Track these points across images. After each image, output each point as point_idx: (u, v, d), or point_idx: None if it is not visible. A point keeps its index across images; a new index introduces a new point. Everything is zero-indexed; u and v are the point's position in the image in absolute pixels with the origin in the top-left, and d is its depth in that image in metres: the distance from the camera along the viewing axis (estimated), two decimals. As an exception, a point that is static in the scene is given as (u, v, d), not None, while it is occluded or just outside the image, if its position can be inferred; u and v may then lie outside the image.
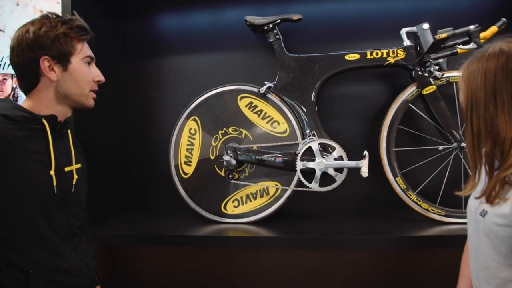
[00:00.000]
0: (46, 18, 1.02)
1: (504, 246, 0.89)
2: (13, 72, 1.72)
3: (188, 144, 1.74)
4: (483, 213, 0.93)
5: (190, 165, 1.74)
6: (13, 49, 1.02)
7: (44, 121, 1.00)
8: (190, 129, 1.75)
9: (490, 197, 0.90)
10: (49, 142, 1.00)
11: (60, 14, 1.06)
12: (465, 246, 1.20)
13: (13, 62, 1.03)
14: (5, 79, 1.74)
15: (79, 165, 1.11)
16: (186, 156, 1.74)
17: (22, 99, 1.72)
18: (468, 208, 1.06)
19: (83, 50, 1.05)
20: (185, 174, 1.74)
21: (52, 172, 0.99)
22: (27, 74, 1.02)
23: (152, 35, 1.99)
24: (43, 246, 0.97)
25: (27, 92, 1.04)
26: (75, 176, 1.07)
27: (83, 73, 1.05)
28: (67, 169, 1.05)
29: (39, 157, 0.98)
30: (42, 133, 1.00)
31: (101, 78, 1.10)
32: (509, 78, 0.90)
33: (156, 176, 1.96)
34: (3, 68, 1.74)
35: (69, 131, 1.11)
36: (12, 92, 1.74)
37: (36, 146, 0.98)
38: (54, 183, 0.98)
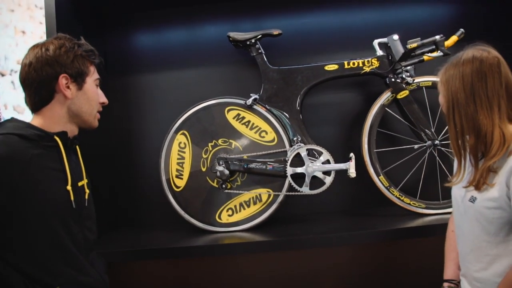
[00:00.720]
0: (63, 39, 1.06)
1: (493, 226, 1.02)
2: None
3: (178, 158, 1.78)
4: (473, 199, 1.05)
5: (181, 178, 1.77)
6: (30, 65, 1.02)
7: (56, 138, 1.01)
8: (180, 143, 1.78)
9: (479, 184, 1.03)
10: (63, 158, 1.01)
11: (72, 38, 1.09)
12: (447, 234, 1.31)
13: (28, 78, 1.02)
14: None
15: (87, 180, 1.13)
16: (177, 170, 1.77)
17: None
18: (453, 198, 1.18)
19: (95, 72, 1.12)
20: (177, 187, 1.77)
21: (69, 187, 1.00)
22: (43, 90, 1.03)
23: (132, 53, 2.02)
24: (67, 261, 0.98)
25: (38, 108, 1.04)
26: (87, 191, 1.09)
27: (95, 94, 1.10)
28: (80, 183, 1.06)
29: (56, 174, 0.99)
30: (55, 150, 1.01)
31: (106, 100, 1.16)
32: (484, 80, 1.04)
33: (145, 193, 1.97)
34: (-18, 90, 1.69)
35: (77, 146, 1.12)
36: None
37: (52, 162, 0.99)
38: (72, 198, 1.00)
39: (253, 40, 1.78)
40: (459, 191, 1.14)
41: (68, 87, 1.04)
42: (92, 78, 1.10)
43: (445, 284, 1.21)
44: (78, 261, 1.00)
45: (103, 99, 1.15)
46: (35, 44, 1.05)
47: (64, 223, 0.98)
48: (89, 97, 1.08)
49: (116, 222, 1.96)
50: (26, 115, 1.71)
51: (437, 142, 1.69)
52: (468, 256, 1.10)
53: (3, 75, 1.69)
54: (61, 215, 0.98)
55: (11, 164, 0.91)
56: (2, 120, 1.68)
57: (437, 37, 1.61)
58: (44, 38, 1.63)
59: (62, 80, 1.02)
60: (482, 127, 1.03)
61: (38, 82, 1.02)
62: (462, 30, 1.68)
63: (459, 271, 1.19)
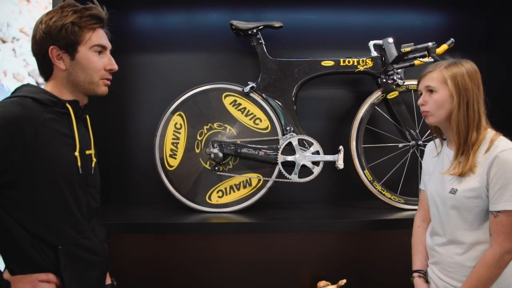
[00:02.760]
0: (60, 8, 1.05)
1: (471, 215, 1.13)
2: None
3: (173, 138, 1.83)
4: (453, 191, 1.15)
5: (175, 158, 1.82)
6: (32, 38, 1.05)
7: (68, 105, 1.05)
8: (176, 123, 1.83)
9: (465, 172, 1.13)
10: (73, 125, 1.05)
11: (76, 3, 1.07)
12: (414, 229, 1.41)
13: (32, 50, 1.06)
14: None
15: (95, 151, 1.17)
16: (172, 150, 1.82)
17: (4, 88, 1.70)
18: (429, 194, 1.28)
19: (91, 39, 1.05)
20: (170, 166, 1.82)
21: (76, 154, 1.04)
22: (42, 62, 1.05)
23: (131, 32, 2.04)
24: (71, 224, 1.02)
25: (46, 78, 1.08)
26: (93, 160, 1.13)
27: (91, 61, 1.06)
28: (87, 152, 1.10)
29: (65, 139, 1.03)
30: (66, 117, 1.04)
31: (113, 66, 1.11)
32: (480, 82, 1.18)
33: (138, 170, 2.01)
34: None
35: (87, 116, 1.16)
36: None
37: (62, 128, 1.03)
38: (79, 164, 1.04)
39: (254, 30, 1.83)
40: (435, 186, 1.24)
41: (60, 58, 1.04)
42: (87, 45, 1.05)
43: (415, 274, 1.32)
44: (80, 225, 1.05)
45: (110, 66, 1.10)
46: (40, 17, 1.06)
47: (70, 186, 1.02)
48: (83, 66, 1.05)
49: (109, 197, 2.00)
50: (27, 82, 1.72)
51: (420, 142, 1.80)
52: (446, 244, 1.20)
53: (4, 41, 1.69)
54: (67, 178, 1.01)
55: (25, 124, 0.94)
56: (1, 87, 1.69)
57: (430, 44, 1.71)
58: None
59: (53, 52, 1.03)
60: (481, 121, 1.15)
61: (37, 54, 1.05)
62: (452, 39, 1.78)
63: (426, 262, 1.30)
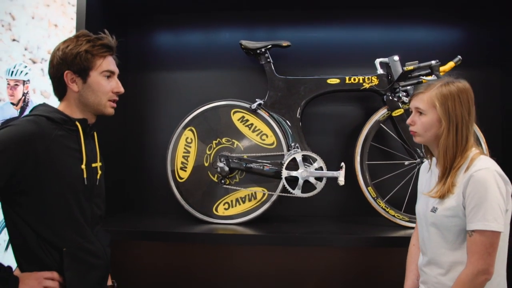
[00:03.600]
0: (76, 37, 1.19)
1: (451, 234, 1.13)
2: (24, 79, 1.88)
3: (184, 152, 1.93)
4: (434, 210, 1.17)
5: (185, 171, 1.92)
6: (50, 62, 1.20)
7: (77, 123, 1.17)
8: (187, 138, 1.93)
9: (445, 193, 1.14)
10: (81, 141, 1.17)
11: (90, 33, 1.22)
12: (409, 248, 1.42)
13: (49, 73, 1.20)
14: (16, 84, 1.88)
15: (101, 163, 1.28)
16: (182, 162, 1.92)
17: (32, 104, 1.87)
18: (417, 212, 1.30)
19: (102, 65, 1.19)
20: (181, 178, 1.92)
21: (83, 166, 1.16)
22: (58, 84, 1.19)
23: (151, 51, 2.19)
24: (75, 229, 1.13)
25: (60, 98, 1.21)
26: (99, 172, 1.25)
27: (100, 85, 1.19)
28: (93, 165, 1.22)
29: (74, 153, 1.15)
30: (75, 133, 1.17)
31: (120, 89, 1.24)
32: (472, 104, 1.18)
33: (151, 181, 2.13)
34: (15, 74, 1.88)
35: (95, 133, 1.28)
36: (23, 97, 1.88)
37: (71, 143, 1.15)
38: (85, 176, 1.16)
39: (263, 49, 1.91)
40: (421, 205, 1.26)
41: (74, 81, 1.17)
42: (98, 70, 1.17)
43: None
44: (84, 230, 1.16)
45: (117, 88, 1.22)
46: (58, 44, 1.20)
47: (75, 196, 1.14)
48: (94, 89, 1.18)
49: (123, 206, 2.13)
50: (52, 100, 1.89)
51: (425, 160, 1.79)
52: (430, 264, 1.21)
53: (34, 62, 1.87)
54: (74, 189, 1.13)
55: (38, 140, 1.06)
56: (30, 103, 1.87)
57: (433, 62, 1.72)
58: (74, 32, 1.81)
59: (68, 76, 1.16)
60: (469, 146, 1.15)
61: (54, 77, 1.18)
62: (459, 57, 1.78)
63: (417, 282, 1.31)
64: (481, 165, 1.10)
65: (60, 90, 1.20)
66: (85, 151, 1.17)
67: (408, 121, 1.27)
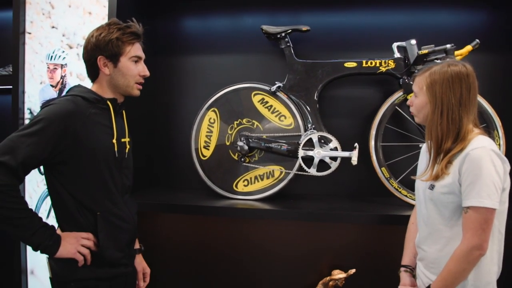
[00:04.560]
0: (107, 25, 1.33)
1: (447, 210, 1.20)
2: (62, 63, 2.04)
3: (207, 131, 2.05)
4: (431, 187, 1.24)
5: (208, 149, 2.05)
6: (84, 48, 1.34)
7: (109, 102, 1.31)
8: (210, 118, 2.06)
9: (439, 175, 1.20)
10: (112, 118, 1.32)
11: (120, 22, 1.35)
12: (408, 226, 1.48)
13: (83, 58, 1.35)
14: (55, 68, 2.05)
15: (129, 139, 1.42)
16: (205, 141, 2.05)
17: (69, 86, 2.04)
18: (416, 189, 1.36)
19: (130, 51, 1.33)
20: (204, 156, 2.05)
21: (114, 141, 1.30)
22: (91, 67, 1.34)
23: (179, 36, 2.30)
24: (107, 196, 1.29)
25: (93, 80, 1.36)
26: (128, 146, 1.39)
27: (129, 69, 1.33)
28: (123, 140, 1.37)
29: (106, 129, 1.30)
30: (107, 111, 1.31)
31: (146, 73, 1.38)
32: (467, 88, 1.20)
33: (177, 158, 2.28)
34: (54, 59, 2.05)
35: (124, 111, 1.42)
36: (61, 79, 2.05)
37: (104, 120, 1.30)
38: (116, 149, 1.30)
39: (283, 34, 1.99)
40: (420, 183, 1.32)
41: (106, 66, 1.31)
42: (127, 56, 1.31)
43: (402, 269, 1.41)
44: (115, 198, 1.31)
45: (143, 72, 1.36)
46: (91, 31, 1.33)
47: (108, 167, 1.29)
48: (123, 72, 1.32)
49: (149, 181, 2.29)
50: (86, 82, 2.05)
51: (438, 142, 1.83)
52: (427, 240, 1.28)
53: (71, 47, 2.03)
54: (106, 161, 1.28)
55: (76, 117, 1.22)
56: (67, 85, 2.04)
57: (448, 46, 1.75)
58: (106, 19, 1.95)
59: (100, 61, 1.30)
60: (462, 130, 1.19)
61: (87, 61, 1.33)
62: (477, 40, 1.80)
63: (414, 259, 1.38)
64: (477, 144, 1.15)
65: (93, 73, 1.34)
66: (116, 127, 1.31)
67: (408, 102, 1.33)
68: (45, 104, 1.24)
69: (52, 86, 2.07)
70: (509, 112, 1.95)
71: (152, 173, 2.30)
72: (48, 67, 2.06)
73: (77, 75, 2.03)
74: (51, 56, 2.05)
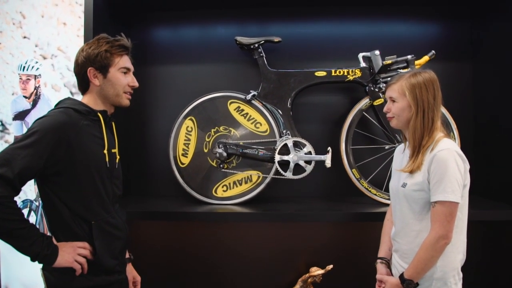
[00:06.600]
0: (97, 40, 1.37)
1: (418, 206, 1.34)
2: (36, 74, 2.02)
3: (185, 139, 2.11)
4: (404, 185, 1.38)
5: (186, 157, 2.10)
6: (74, 63, 1.38)
7: (99, 114, 1.35)
8: (187, 126, 2.11)
9: (414, 169, 1.34)
10: (103, 129, 1.35)
11: (108, 36, 1.39)
12: (384, 222, 1.63)
13: (74, 71, 1.38)
14: (28, 79, 2.02)
15: (118, 150, 1.46)
16: (183, 149, 2.10)
17: (44, 97, 2.02)
18: (390, 188, 1.51)
19: (119, 62, 1.37)
20: (182, 164, 2.10)
21: (105, 151, 1.34)
22: (81, 80, 1.37)
23: (152, 46, 2.34)
24: (101, 205, 1.32)
25: (83, 93, 1.39)
26: (118, 157, 1.42)
27: (118, 79, 1.37)
28: (113, 150, 1.40)
29: (97, 140, 1.33)
30: (97, 123, 1.34)
31: (135, 83, 1.42)
32: (438, 91, 1.36)
33: (155, 167, 2.30)
34: (27, 69, 2.02)
35: (113, 122, 1.45)
36: (35, 90, 2.02)
37: (95, 131, 1.33)
38: (107, 159, 1.33)
39: (256, 45, 2.09)
40: (394, 182, 1.47)
41: (96, 77, 1.35)
42: (116, 67, 1.35)
43: (378, 260, 1.54)
44: (108, 206, 1.34)
45: (132, 83, 1.40)
46: (81, 46, 1.37)
47: (100, 176, 1.32)
48: (113, 82, 1.35)
49: (130, 189, 2.30)
50: (62, 93, 2.04)
51: (403, 144, 2.00)
52: (400, 233, 1.42)
53: (45, 58, 2.01)
54: (98, 171, 1.31)
55: (69, 128, 1.24)
56: (42, 96, 2.02)
57: (409, 56, 1.92)
58: (82, 30, 1.96)
59: (90, 72, 1.34)
60: (435, 128, 1.35)
61: (78, 74, 1.37)
62: (433, 51, 1.99)
63: (390, 252, 1.52)
64: (443, 146, 1.31)
65: (83, 85, 1.37)
66: (106, 138, 1.35)
67: (385, 109, 1.47)
68: (38, 117, 1.26)
69: (25, 97, 2.04)
70: (463, 116, 2.15)
71: (131, 182, 2.31)
72: (21, 78, 2.03)
73: (52, 85, 2.02)
74: (24, 67, 2.03)
